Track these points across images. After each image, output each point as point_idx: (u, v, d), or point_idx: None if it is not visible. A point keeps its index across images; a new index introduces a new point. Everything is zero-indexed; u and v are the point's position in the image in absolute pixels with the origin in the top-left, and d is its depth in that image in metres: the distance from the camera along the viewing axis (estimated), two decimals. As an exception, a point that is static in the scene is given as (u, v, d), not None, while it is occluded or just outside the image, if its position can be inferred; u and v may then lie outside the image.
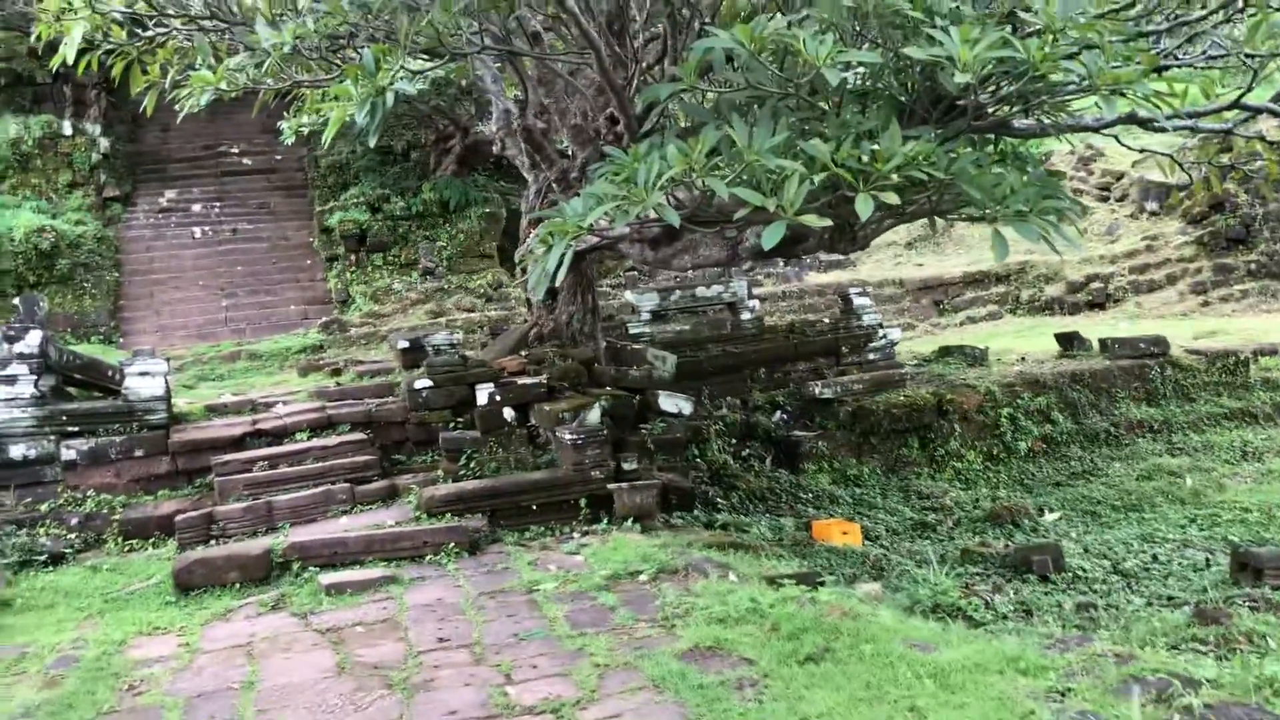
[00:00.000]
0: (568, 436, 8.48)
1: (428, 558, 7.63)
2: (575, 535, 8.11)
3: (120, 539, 8.63)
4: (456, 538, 7.74)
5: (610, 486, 8.37)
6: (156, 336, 17.07)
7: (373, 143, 7.62)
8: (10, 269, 17.26)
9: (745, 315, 12.93)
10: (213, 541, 8.17)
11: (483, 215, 20.30)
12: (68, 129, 19.79)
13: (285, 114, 17.65)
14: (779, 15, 7.70)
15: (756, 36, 6.46)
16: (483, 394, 9.34)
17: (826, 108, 7.33)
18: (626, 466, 8.70)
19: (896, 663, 4.76)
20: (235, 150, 22.33)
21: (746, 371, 12.49)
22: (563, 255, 6.97)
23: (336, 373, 12.45)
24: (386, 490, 8.79)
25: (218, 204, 20.86)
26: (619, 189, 6.89)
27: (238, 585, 7.37)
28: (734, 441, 11.53)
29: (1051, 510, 10.77)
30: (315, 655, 5.75)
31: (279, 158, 22.16)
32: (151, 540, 8.62)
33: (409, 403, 9.55)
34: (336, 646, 5.89)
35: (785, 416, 12.06)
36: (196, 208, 20.66)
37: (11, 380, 8.92)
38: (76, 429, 9.15)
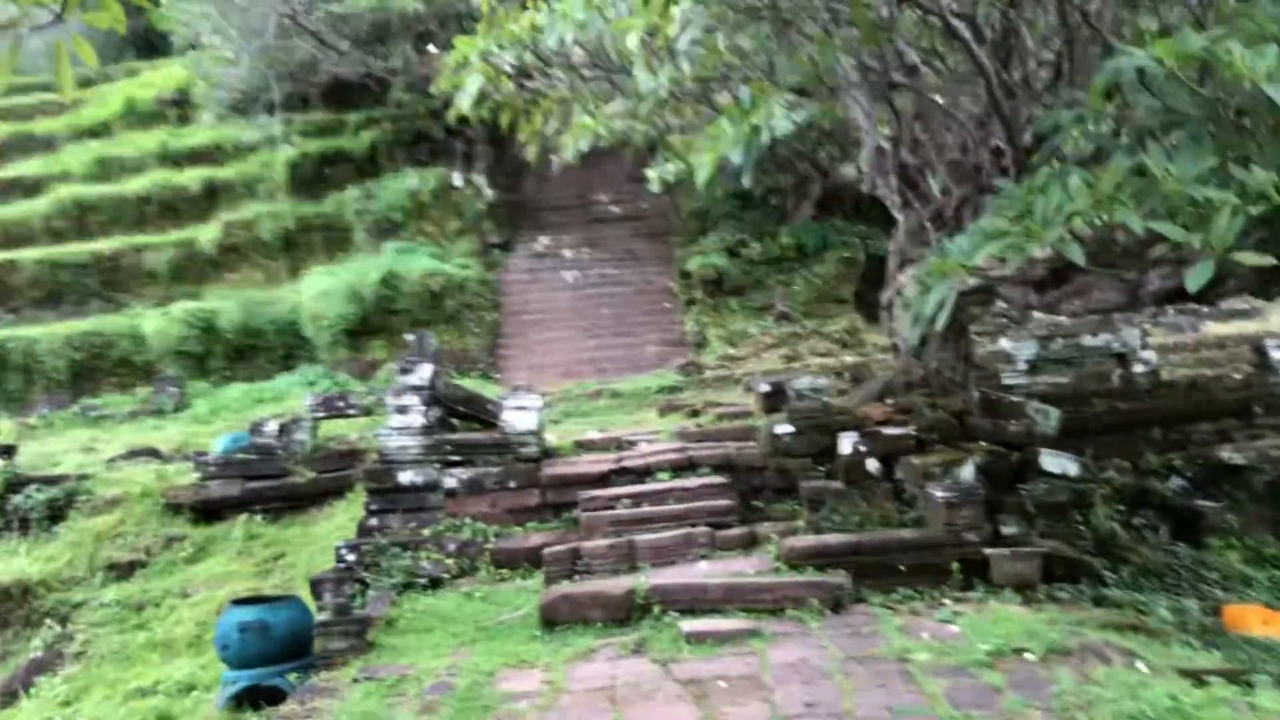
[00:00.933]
0: (940, 494, 7.86)
1: (788, 612, 7.25)
2: (946, 601, 7.44)
3: (492, 568, 8.94)
4: (819, 594, 7.31)
5: (987, 551, 7.64)
6: (528, 373, 18.02)
7: (747, 182, 7.47)
8: (407, 308, 18.89)
9: (1137, 368, 11.65)
10: (576, 576, 8.26)
11: (840, 260, 19.93)
12: (458, 180, 21.50)
13: (650, 162, 18.27)
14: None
15: (1179, 52, 5.69)
16: (845, 443, 8.91)
17: (1260, 132, 6.36)
18: (1005, 530, 7.94)
19: (1383, 803, 3.83)
20: (604, 199, 23.37)
21: (1138, 431, 11.18)
22: (944, 298, 6.47)
23: (695, 414, 12.47)
24: (746, 537, 8.53)
25: (587, 250, 21.83)
26: (1011, 224, 6.31)
27: (600, 624, 7.35)
28: (1122, 509, 10.32)
29: None
30: (678, 708, 5.53)
31: (644, 205, 22.91)
32: (520, 571, 8.86)
33: (769, 448, 9.31)
34: (699, 701, 5.65)
35: (1184, 483, 10.68)
36: (568, 253, 21.74)
37: (404, 410, 9.57)
38: (458, 458, 9.66)
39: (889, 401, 9.63)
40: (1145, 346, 11.91)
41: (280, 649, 7.42)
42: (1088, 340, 11.78)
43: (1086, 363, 12.06)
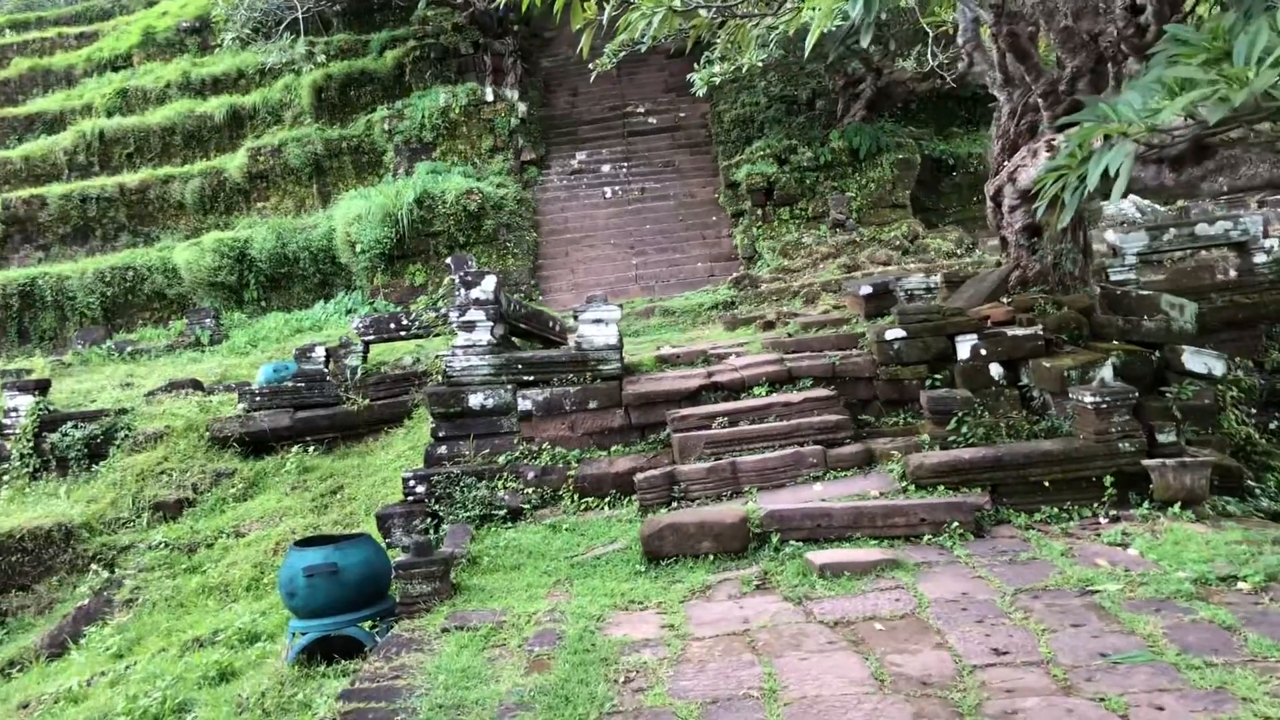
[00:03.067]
0: (1088, 399, 6.91)
1: (925, 538, 6.40)
2: (1102, 520, 6.58)
3: (576, 496, 8.11)
4: (958, 516, 6.44)
5: (1145, 462, 6.72)
6: (572, 294, 17.13)
7: (865, 42, 6.44)
8: (443, 230, 17.93)
9: (1259, 258, 10.59)
10: (674, 503, 7.43)
11: (895, 162, 18.76)
12: (489, 95, 20.39)
13: (696, 65, 17.08)
14: None
15: None
16: (964, 347, 7.98)
17: None
18: (1162, 438, 7.00)
19: None
20: (641, 110, 22.31)
21: (1262, 326, 10.22)
22: (1119, 165, 5.47)
23: (769, 326, 11.53)
24: (861, 455, 7.63)
25: (625, 164, 20.85)
26: (1202, 71, 5.29)
27: (711, 556, 6.52)
28: (1253, 411, 9.42)
29: None
30: (837, 658, 4.67)
31: (683, 114, 21.91)
32: (607, 499, 8.04)
33: (877, 356, 8.36)
34: (858, 647, 4.79)
35: (1319, 382, 9.72)
36: (606, 168, 20.75)
37: (470, 326, 8.65)
38: (531, 378, 8.76)
39: (1004, 300, 8.64)
40: (1269, 234, 10.81)
41: (353, 594, 6.60)
42: (1203, 229, 10.70)
43: (1201, 254, 11.05)
